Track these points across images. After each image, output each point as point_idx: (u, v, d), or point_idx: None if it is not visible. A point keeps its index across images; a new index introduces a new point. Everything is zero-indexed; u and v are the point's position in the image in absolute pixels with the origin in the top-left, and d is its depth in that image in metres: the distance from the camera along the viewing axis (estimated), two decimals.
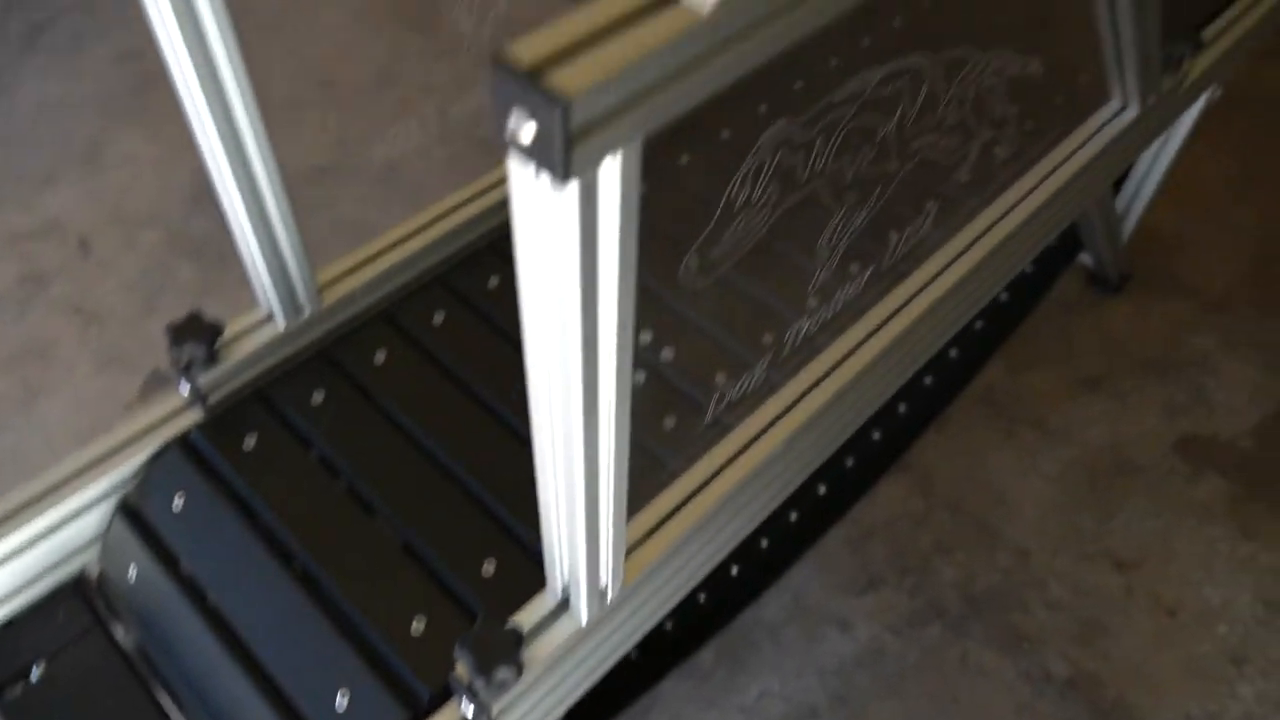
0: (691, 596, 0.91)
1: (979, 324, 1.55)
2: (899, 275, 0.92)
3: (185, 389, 0.88)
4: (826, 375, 0.87)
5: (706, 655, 1.34)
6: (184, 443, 0.88)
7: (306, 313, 0.91)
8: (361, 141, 1.90)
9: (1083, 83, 1.08)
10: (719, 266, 0.68)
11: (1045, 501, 1.51)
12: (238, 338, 0.90)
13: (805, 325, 0.81)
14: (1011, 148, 0.95)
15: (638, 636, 0.84)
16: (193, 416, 0.89)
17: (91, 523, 0.87)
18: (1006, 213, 0.99)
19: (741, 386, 0.79)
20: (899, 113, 0.72)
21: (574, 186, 0.41)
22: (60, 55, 2.11)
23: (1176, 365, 1.67)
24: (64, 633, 0.84)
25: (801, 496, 1.05)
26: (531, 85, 0.38)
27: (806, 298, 0.84)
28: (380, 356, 0.93)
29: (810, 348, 0.88)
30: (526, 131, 0.39)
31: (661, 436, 0.88)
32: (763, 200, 0.63)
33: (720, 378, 0.90)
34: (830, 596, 1.42)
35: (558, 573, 0.72)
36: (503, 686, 0.69)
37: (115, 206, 1.83)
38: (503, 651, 0.69)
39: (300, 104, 1.98)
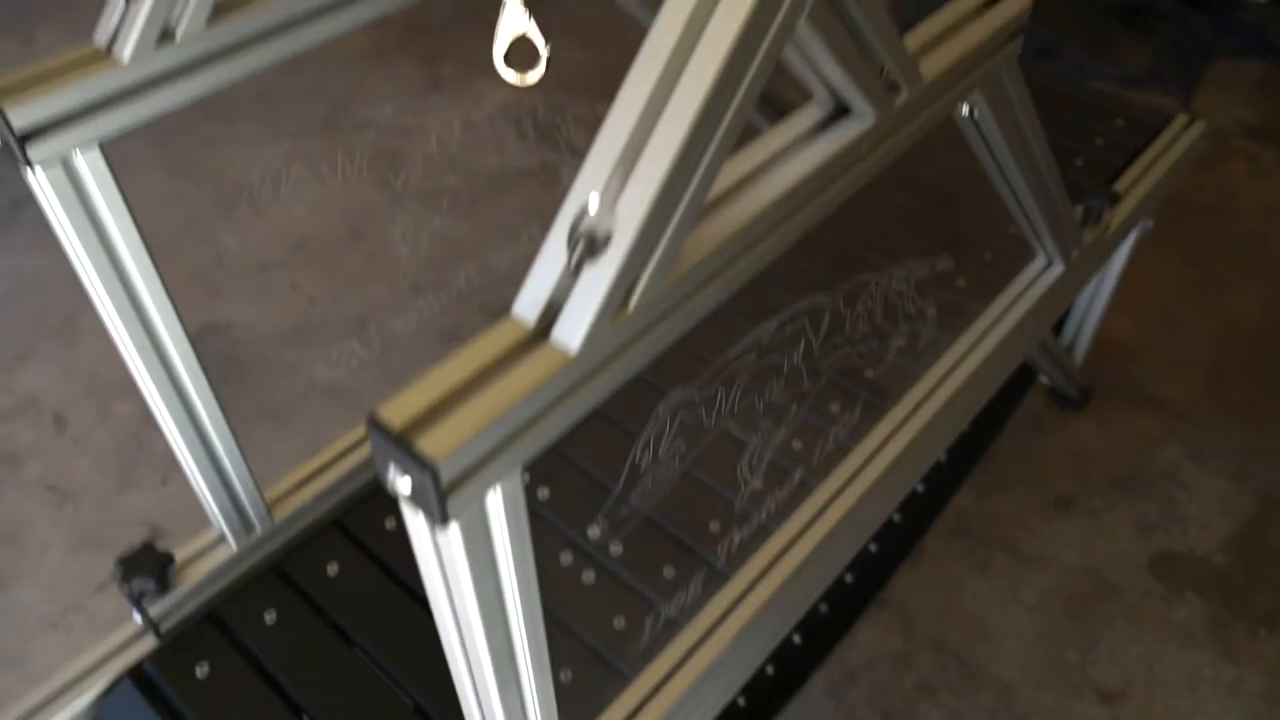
0: None
1: (943, 457, 1.56)
2: (840, 451, 0.93)
3: (137, 618, 0.89)
4: (775, 562, 0.88)
5: None
6: (137, 675, 0.88)
7: (258, 530, 0.93)
8: (332, 300, 1.95)
9: (1005, 246, 1.12)
10: (631, 522, 0.69)
11: (1026, 633, 1.50)
12: (190, 562, 0.91)
13: (743, 529, 0.82)
14: (939, 323, 0.97)
15: None
16: (145, 645, 0.89)
17: None
18: (943, 379, 1.01)
19: (679, 600, 0.80)
20: (804, 344, 0.74)
21: (455, 526, 0.43)
22: (39, 229, 2.17)
23: (1146, 479, 1.68)
24: None
25: (778, 649, 1.04)
26: (401, 449, 0.40)
27: (743, 493, 0.85)
28: (333, 568, 0.94)
29: (759, 534, 0.89)
30: (404, 484, 0.41)
31: (610, 636, 0.88)
32: (669, 455, 0.64)
33: (669, 571, 0.91)
34: None
35: None
36: None
37: (90, 379, 1.86)
38: None
39: (273, 266, 2.04)
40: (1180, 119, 1.39)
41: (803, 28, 0.46)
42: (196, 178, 2.32)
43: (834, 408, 0.90)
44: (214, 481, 0.86)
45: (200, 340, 1.84)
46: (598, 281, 0.43)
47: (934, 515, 1.57)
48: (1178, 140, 1.35)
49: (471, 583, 0.45)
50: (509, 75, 0.66)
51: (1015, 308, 1.08)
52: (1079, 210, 1.19)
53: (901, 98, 0.57)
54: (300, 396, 1.79)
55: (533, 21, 0.64)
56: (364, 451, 0.99)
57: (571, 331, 0.43)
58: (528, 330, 0.44)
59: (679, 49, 0.43)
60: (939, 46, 0.61)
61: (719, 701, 0.91)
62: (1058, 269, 1.12)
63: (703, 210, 0.48)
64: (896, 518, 1.52)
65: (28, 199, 2.31)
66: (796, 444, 0.95)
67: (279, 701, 0.86)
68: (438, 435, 0.40)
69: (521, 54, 0.67)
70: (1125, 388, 1.81)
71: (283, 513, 0.94)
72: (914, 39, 0.60)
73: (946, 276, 0.95)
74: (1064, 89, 1.48)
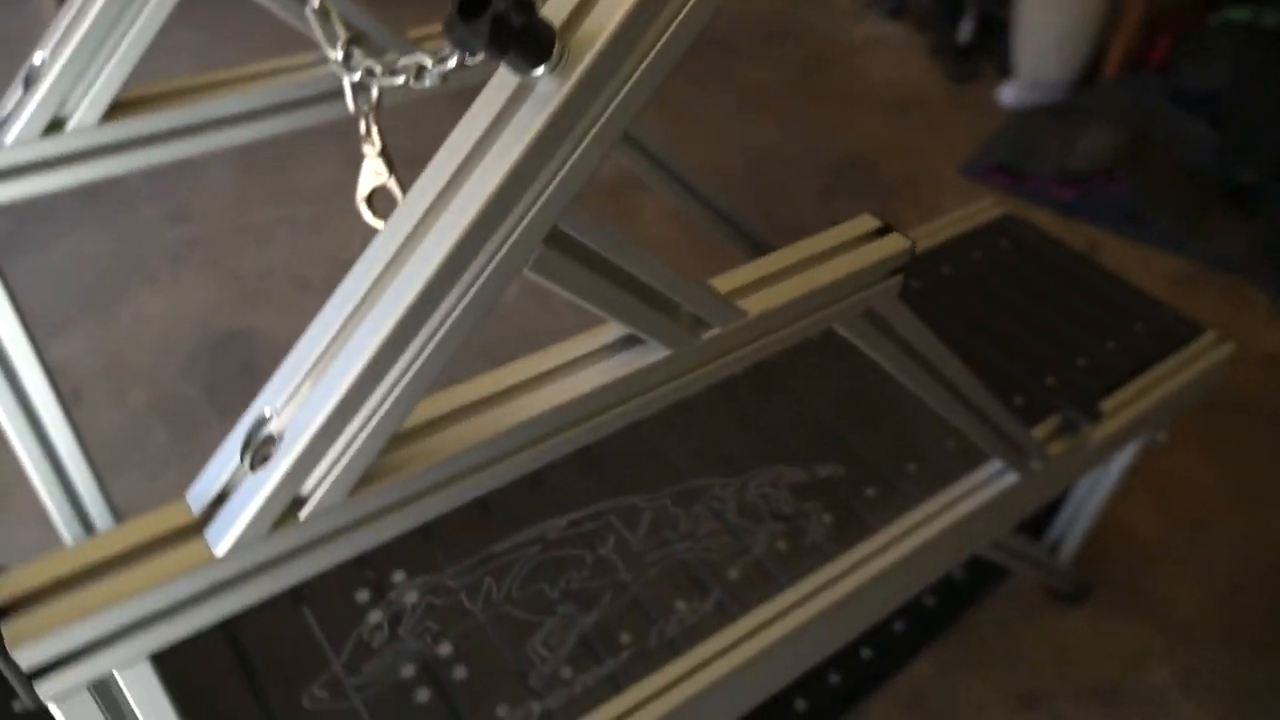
0: None
1: (899, 625, 1.48)
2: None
3: None
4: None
5: None
6: None
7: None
8: None
9: (950, 449, 1.04)
10: (372, 685, 0.65)
11: None
12: None
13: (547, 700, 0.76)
14: (840, 525, 0.90)
15: None
16: None
17: None
18: (849, 571, 0.94)
19: None
20: (614, 539, 0.70)
21: (56, 709, 0.42)
22: (113, 211, 2.31)
23: (1128, 697, 1.54)
24: None
25: None
26: None
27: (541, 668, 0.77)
28: None
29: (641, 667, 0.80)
30: None
31: None
32: (417, 633, 0.61)
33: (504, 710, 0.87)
34: None
35: None
36: None
37: (114, 361, 1.95)
38: None
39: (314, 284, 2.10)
40: (1210, 336, 1.28)
41: (546, 260, 0.43)
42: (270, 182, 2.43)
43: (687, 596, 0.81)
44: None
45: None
46: (258, 487, 0.42)
47: (878, 682, 1.48)
48: (1197, 360, 1.24)
49: None
50: (370, 218, 0.66)
51: (956, 507, 1.01)
52: (1056, 420, 1.11)
53: (711, 333, 0.53)
54: None
55: (393, 178, 0.64)
56: None
57: (221, 533, 0.42)
58: (190, 519, 0.43)
59: (385, 273, 0.41)
60: (789, 277, 0.56)
61: None
62: (1011, 477, 1.04)
63: (403, 427, 0.45)
64: (833, 678, 1.44)
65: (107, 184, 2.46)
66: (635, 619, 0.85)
67: None
68: (41, 615, 0.39)
69: (384, 200, 0.67)
70: (1131, 589, 1.68)
71: None
72: (767, 264, 0.56)
73: (844, 479, 0.89)
74: (1090, 276, 1.39)
